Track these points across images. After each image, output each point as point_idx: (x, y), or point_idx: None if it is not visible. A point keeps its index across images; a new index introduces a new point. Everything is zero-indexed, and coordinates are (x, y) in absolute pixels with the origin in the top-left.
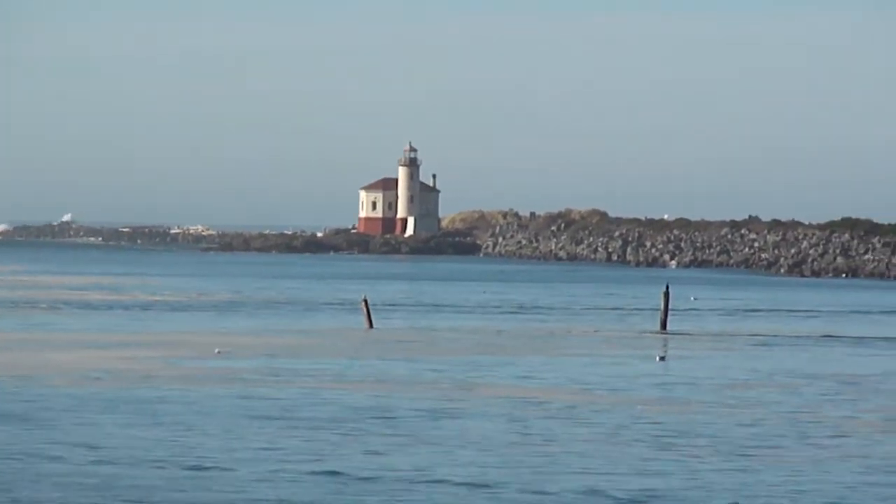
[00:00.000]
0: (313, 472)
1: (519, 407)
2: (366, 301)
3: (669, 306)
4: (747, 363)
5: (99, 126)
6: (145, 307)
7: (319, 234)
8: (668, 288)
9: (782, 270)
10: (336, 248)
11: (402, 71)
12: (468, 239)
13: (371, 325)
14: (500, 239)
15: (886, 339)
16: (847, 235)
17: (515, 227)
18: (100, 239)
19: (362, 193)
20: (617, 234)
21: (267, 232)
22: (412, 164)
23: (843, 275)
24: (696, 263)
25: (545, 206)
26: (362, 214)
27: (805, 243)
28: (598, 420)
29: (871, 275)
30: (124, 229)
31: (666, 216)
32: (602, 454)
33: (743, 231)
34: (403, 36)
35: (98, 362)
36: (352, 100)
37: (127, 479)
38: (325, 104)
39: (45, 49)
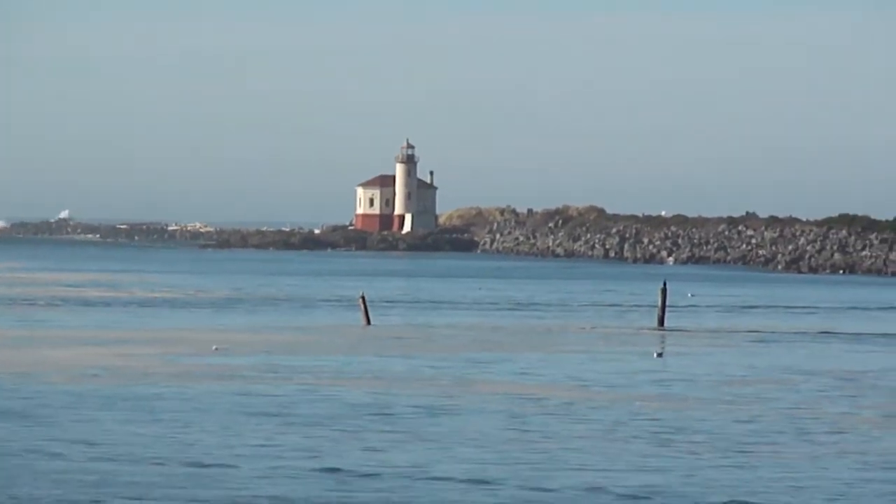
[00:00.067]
0: (312, 469)
1: (517, 403)
2: (363, 298)
3: (667, 303)
4: (745, 360)
5: (99, 125)
6: (143, 304)
7: (317, 231)
8: (665, 284)
9: (780, 267)
10: (333, 245)
11: (402, 71)
12: (465, 236)
13: (368, 322)
14: (498, 236)
15: (884, 335)
16: (844, 232)
17: (513, 223)
18: (97, 236)
19: (359, 190)
20: (614, 230)
21: (264, 229)
22: (409, 161)
23: (841, 271)
24: (694, 260)
25: (542, 203)
26: (359, 211)
27: (802, 240)
28: (595, 416)
29: (869, 271)
30: (122, 226)
31: (663, 213)
32: (600, 450)
33: (740, 228)
34: (403, 36)
35: (96, 359)
36: (351, 100)
37: (125, 475)
38: (325, 104)
39: (45, 49)
